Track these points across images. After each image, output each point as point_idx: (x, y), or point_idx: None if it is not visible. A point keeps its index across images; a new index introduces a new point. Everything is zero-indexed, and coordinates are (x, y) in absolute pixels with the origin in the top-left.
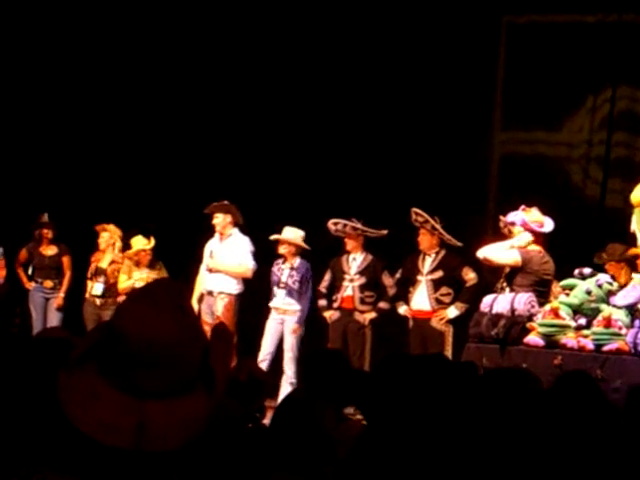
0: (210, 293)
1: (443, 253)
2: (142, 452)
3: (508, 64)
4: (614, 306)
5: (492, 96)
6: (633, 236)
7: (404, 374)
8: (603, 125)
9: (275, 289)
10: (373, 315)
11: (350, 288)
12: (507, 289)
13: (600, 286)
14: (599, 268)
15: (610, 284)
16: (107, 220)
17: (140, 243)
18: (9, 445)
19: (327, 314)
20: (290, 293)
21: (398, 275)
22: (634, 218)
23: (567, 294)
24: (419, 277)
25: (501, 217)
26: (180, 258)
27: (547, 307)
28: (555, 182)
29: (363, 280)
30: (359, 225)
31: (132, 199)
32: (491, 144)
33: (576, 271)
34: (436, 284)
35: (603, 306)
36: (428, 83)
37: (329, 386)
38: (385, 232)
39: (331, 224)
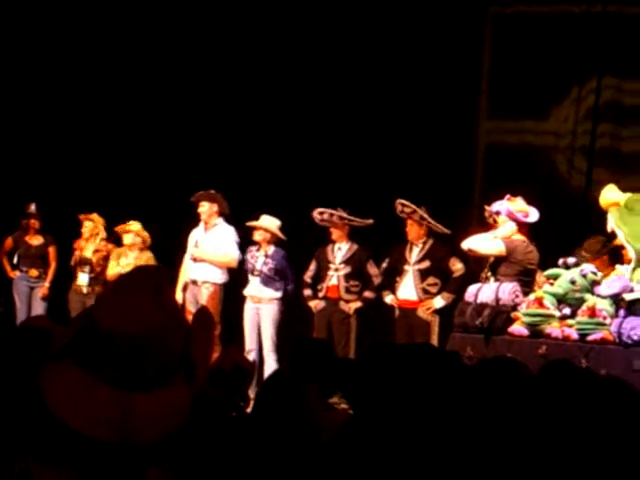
0: (194, 282)
1: (430, 243)
2: (126, 444)
3: (494, 54)
4: (598, 296)
5: (478, 86)
6: (613, 234)
7: (390, 363)
8: (588, 115)
9: (250, 277)
10: (358, 304)
11: (335, 277)
12: (491, 279)
13: (584, 276)
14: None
15: (594, 274)
16: (92, 209)
17: (135, 227)
18: None
19: (312, 304)
20: (264, 281)
21: (385, 264)
22: (609, 217)
23: (551, 284)
24: (406, 267)
25: (486, 207)
26: (165, 247)
27: (531, 297)
28: (540, 172)
29: (348, 269)
30: (345, 214)
31: (118, 188)
32: (477, 133)
33: (560, 261)
34: (423, 274)
35: (587, 296)
36: (414, 73)
37: (314, 375)
38: (371, 221)
39: (316, 214)
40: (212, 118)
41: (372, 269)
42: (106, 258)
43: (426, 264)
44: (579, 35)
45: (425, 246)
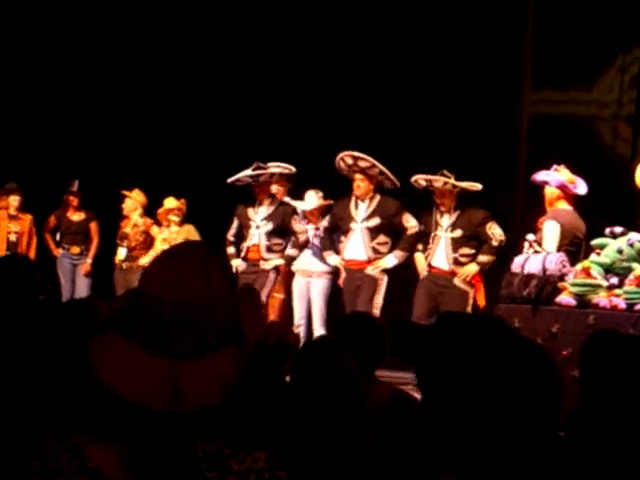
0: None
1: (378, 198)
2: (175, 413)
3: (537, 24)
4: None
5: (521, 57)
6: None
7: (463, 335)
8: (633, 84)
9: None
10: (279, 262)
11: (256, 236)
12: (535, 244)
13: (631, 245)
14: (631, 227)
15: None
16: (135, 185)
17: (172, 203)
18: (42, 410)
19: (234, 263)
20: (316, 254)
21: (325, 224)
22: None
23: (598, 253)
24: (352, 225)
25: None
26: (206, 223)
27: (579, 267)
28: (585, 142)
29: (270, 227)
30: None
31: (163, 165)
32: (521, 104)
33: (607, 230)
34: (372, 232)
35: (635, 265)
36: (457, 44)
37: (359, 347)
38: (293, 169)
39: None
40: (248, 96)
41: (297, 225)
42: (145, 233)
43: (375, 221)
44: (623, 2)
45: (372, 201)
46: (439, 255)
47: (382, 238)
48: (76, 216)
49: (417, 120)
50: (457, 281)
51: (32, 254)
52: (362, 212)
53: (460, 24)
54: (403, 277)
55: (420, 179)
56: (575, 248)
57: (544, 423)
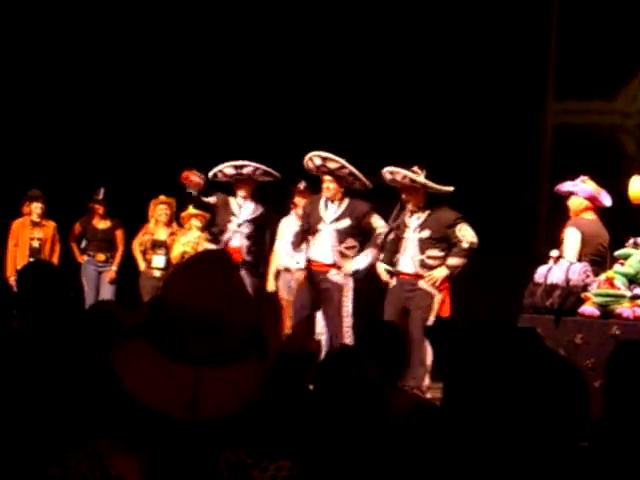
0: (287, 270)
1: (347, 201)
2: (197, 421)
3: (560, 35)
4: None
5: (545, 66)
6: None
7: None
8: None
9: None
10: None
11: (237, 237)
12: (561, 259)
13: None
14: None
15: None
16: (160, 192)
17: (192, 210)
18: (64, 416)
19: None
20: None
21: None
22: None
23: (622, 264)
24: (320, 226)
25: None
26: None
27: (602, 277)
28: (608, 152)
29: (252, 228)
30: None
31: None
32: (544, 114)
33: (631, 241)
34: (341, 235)
35: None
36: (481, 54)
37: (382, 356)
38: (278, 175)
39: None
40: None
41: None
42: None
43: (345, 223)
44: None
45: (342, 203)
46: (405, 258)
47: (350, 242)
48: (102, 224)
49: (441, 131)
50: (423, 284)
51: (55, 261)
52: (331, 213)
53: (484, 35)
54: (370, 284)
55: (386, 172)
56: (600, 258)
57: (571, 438)
